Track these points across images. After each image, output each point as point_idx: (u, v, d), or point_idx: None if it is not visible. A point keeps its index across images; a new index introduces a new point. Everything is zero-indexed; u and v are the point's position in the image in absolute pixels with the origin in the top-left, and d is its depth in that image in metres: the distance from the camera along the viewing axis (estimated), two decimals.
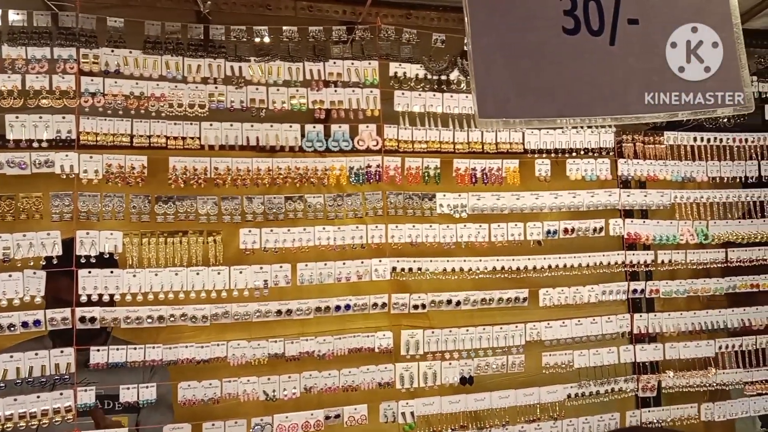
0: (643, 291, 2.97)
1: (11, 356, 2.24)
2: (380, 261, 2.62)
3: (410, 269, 2.67)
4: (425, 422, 2.65)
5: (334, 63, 2.60)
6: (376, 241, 2.62)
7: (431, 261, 2.70)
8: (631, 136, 2.99)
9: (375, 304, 2.61)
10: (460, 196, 2.75)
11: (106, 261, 2.36)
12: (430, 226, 2.70)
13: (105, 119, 2.36)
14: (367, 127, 2.64)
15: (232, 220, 2.50)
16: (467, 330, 2.70)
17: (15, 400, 2.20)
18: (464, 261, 2.73)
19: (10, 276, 2.24)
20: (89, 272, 2.31)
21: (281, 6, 2.58)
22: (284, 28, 2.54)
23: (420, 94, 2.68)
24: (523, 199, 2.80)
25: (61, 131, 2.33)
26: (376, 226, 2.63)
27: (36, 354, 2.26)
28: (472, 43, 1.54)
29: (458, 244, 2.73)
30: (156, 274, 2.38)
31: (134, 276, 2.36)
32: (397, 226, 2.66)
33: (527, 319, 2.79)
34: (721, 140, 3.06)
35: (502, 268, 2.76)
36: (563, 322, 2.83)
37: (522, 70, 1.57)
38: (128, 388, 2.34)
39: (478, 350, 2.70)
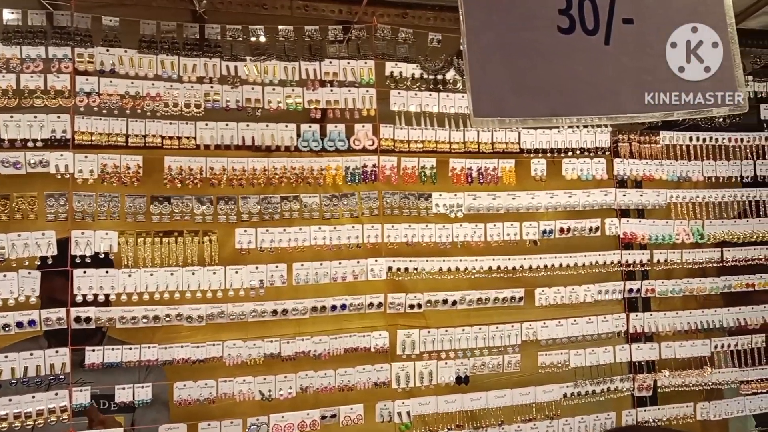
0: (639, 290, 2.97)
1: (6, 356, 2.23)
2: (376, 261, 2.61)
3: (406, 269, 2.67)
4: (421, 422, 2.65)
5: (330, 62, 2.60)
6: (372, 240, 2.62)
7: (427, 261, 2.70)
8: (627, 136, 3.00)
9: (371, 304, 2.61)
10: (456, 195, 2.75)
11: (102, 261, 2.35)
12: (426, 226, 2.70)
13: (100, 119, 2.35)
14: (363, 126, 2.64)
15: (227, 220, 2.49)
16: (463, 330, 2.70)
17: (10, 400, 2.20)
18: (460, 261, 2.73)
19: (5, 276, 2.23)
20: (84, 272, 2.31)
21: (277, 5, 2.58)
22: (280, 27, 2.54)
23: (416, 94, 2.68)
24: (519, 199, 2.80)
25: (56, 131, 2.32)
26: (372, 226, 2.63)
27: (31, 354, 2.25)
28: (467, 41, 1.54)
29: (454, 243, 2.73)
30: (151, 274, 2.38)
31: (129, 276, 2.36)
32: (393, 226, 2.65)
33: (523, 319, 2.79)
34: (716, 140, 3.06)
35: (498, 267, 2.76)
36: (559, 322, 2.83)
37: (517, 68, 1.57)
38: (123, 388, 2.34)
39: (474, 350, 2.70)
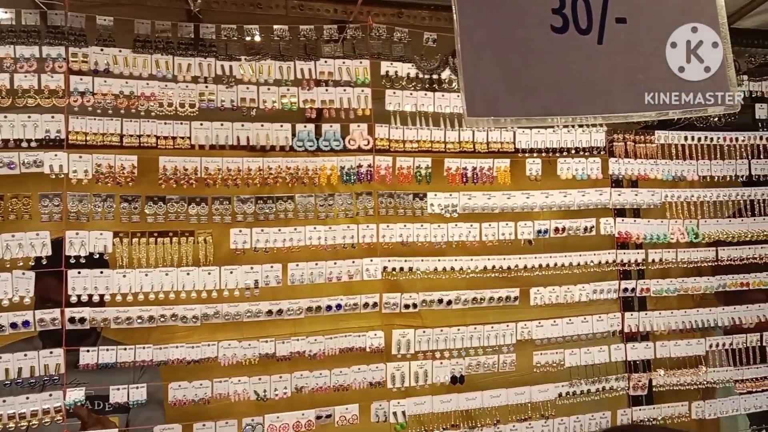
0: (634, 290, 2.97)
1: (0, 357, 2.22)
2: (371, 260, 2.61)
3: (401, 269, 2.67)
4: (417, 421, 2.65)
5: (325, 62, 2.59)
6: (368, 240, 2.62)
7: (422, 260, 2.70)
8: (623, 135, 3.00)
9: (366, 304, 2.61)
10: (451, 195, 2.75)
11: (96, 261, 2.35)
12: (422, 226, 2.70)
13: (94, 119, 2.35)
14: (359, 126, 2.63)
15: (222, 220, 2.49)
16: (458, 329, 2.70)
17: (4, 401, 2.19)
18: (455, 260, 2.73)
19: None
20: (79, 272, 2.30)
21: (272, 5, 2.57)
22: (275, 27, 2.54)
23: (411, 94, 2.68)
24: (514, 199, 2.80)
25: (50, 131, 2.31)
26: (368, 226, 2.62)
27: (25, 355, 2.24)
28: (460, 40, 1.53)
29: (449, 243, 2.73)
30: (146, 275, 2.37)
31: (124, 276, 2.35)
32: (388, 226, 2.65)
33: (518, 318, 2.79)
34: (711, 139, 3.07)
35: (493, 267, 2.76)
36: (554, 321, 2.83)
37: (510, 67, 1.57)
38: (118, 389, 2.33)
39: (470, 349, 2.70)
